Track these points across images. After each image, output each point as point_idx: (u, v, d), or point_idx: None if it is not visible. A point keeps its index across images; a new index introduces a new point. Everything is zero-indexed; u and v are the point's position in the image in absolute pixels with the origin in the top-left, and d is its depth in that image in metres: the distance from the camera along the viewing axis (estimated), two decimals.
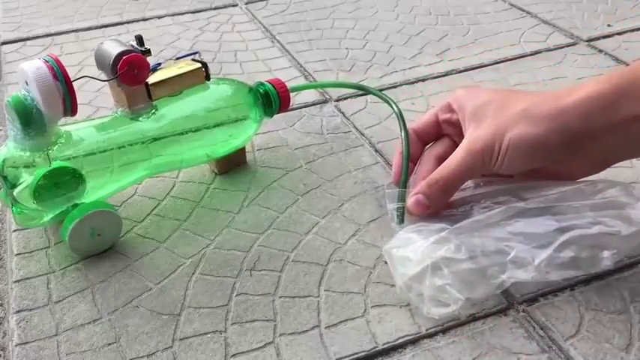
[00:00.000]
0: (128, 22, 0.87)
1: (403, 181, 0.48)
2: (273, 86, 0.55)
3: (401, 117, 0.52)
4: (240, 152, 0.56)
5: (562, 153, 0.43)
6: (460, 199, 0.47)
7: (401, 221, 0.46)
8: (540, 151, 0.43)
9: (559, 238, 0.42)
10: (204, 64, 0.52)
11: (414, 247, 0.43)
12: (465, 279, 0.41)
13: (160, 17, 0.88)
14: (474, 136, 0.45)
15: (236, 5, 0.92)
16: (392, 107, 0.55)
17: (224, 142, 0.54)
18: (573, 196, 0.44)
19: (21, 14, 0.90)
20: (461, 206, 0.46)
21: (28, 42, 0.82)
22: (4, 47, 0.81)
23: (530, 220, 0.43)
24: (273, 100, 0.54)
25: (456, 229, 0.43)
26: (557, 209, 0.44)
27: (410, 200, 0.46)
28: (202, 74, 0.52)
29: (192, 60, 0.52)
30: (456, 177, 0.45)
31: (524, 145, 0.43)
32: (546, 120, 0.43)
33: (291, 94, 0.56)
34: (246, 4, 0.92)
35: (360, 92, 0.67)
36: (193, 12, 0.90)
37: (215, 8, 0.91)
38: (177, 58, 0.52)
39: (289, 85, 0.56)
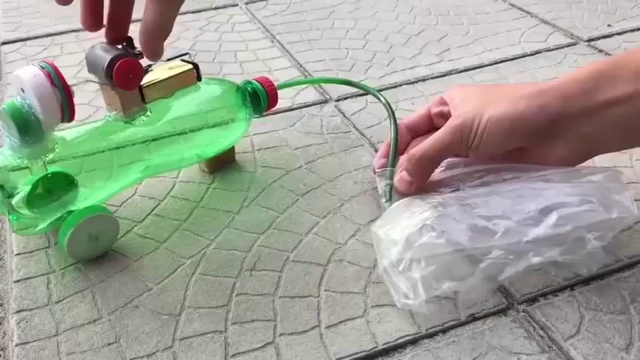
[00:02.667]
0: None
1: (392, 161, 0.50)
2: (261, 84, 0.55)
3: (389, 107, 0.56)
4: (230, 151, 0.57)
5: (541, 134, 0.43)
6: (449, 178, 0.47)
7: (389, 198, 0.47)
8: (518, 129, 0.44)
9: (545, 219, 0.42)
10: (196, 65, 0.52)
11: (401, 230, 0.42)
12: (449, 269, 0.41)
13: None
14: (456, 114, 0.46)
15: (236, 5, 0.92)
16: (379, 99, 0.60)
17: (214, 142, 0.54)
18: (559, 178, 0.44)
19: (21, 14, 0.90)
20: (448, 185, 0.46)
21: (28, 42, 0.82)
22: (4, 47, 0.81)
23: (516, 200, 0.43)
24: (261, 98, 0.55)
25: (442, 215, 0.43)
26: (544, 191, 0.43)
27: (396, 178, 0.47)
28: (194, 75, 0.52)
29: (183, 61, 0.52)
30: (433, 151, 0.46)
31: (502, 123, 0.43)
32: (526, 99, 0.43)
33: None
34: (246, 4, 0.92)
35: (360, 92, 0.67)
36: (193, 12, 0.90)
37: (215, 8, 0.91)
38: (168, 59, 0.52)
39: (278, 83, 0.57)
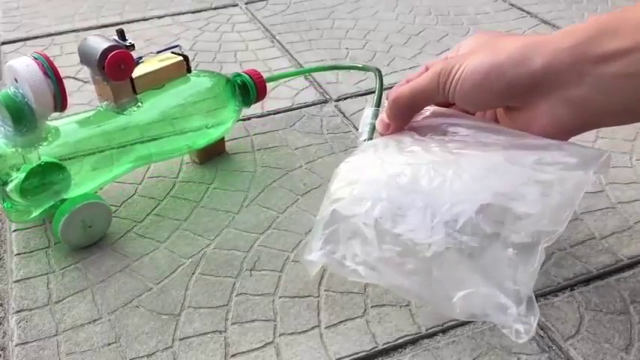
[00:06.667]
0: (128, 22, 0.87)
1: (377, 102, 0.50)
2: (250, 76, 0.56)
3: (372, 70, 0.59)
4: (220, 142, 0.58)
5: (521, 93, 0.38)
6: (427, 127, 0.45)
7: (370, 137, 0.47)
8: (492, 82, 0.38)
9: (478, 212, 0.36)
10: (185, 57, 0.53)
11: (343, 187, 0.41)
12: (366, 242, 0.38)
13: (159, 17, 0.88)
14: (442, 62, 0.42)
15: (236, 5, 0.92)
16: (365, 69, 0.63)
17: (204, 133, 0.55)
18: (527, 159, 0.38)
19: (21, 14, 0.90)
20: (428, 133, 0.44)
21: (28, 42, 0.82)
22: (4, 47, 0.81)
23: (461, 180, 0.37)
24: (250, 89, 0.56)
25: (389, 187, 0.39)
26: (501, 175, 0.38)
27: (379, 118, 0.47)
28: (184, 67, 0.53)
29: (173, 53, 0.53)
30: (409, 94, 0.43)
31: (476, 72, 0.39)
32: (511, 50, 0.38)
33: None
34: (246, 4, 0.92)
35: (360, 92, 0.67)
36: (193, 12, 0.90)
37: (215, 8, 0.91)
38: (158, 52, 0.53)
39: (267, 75, 0.59)
